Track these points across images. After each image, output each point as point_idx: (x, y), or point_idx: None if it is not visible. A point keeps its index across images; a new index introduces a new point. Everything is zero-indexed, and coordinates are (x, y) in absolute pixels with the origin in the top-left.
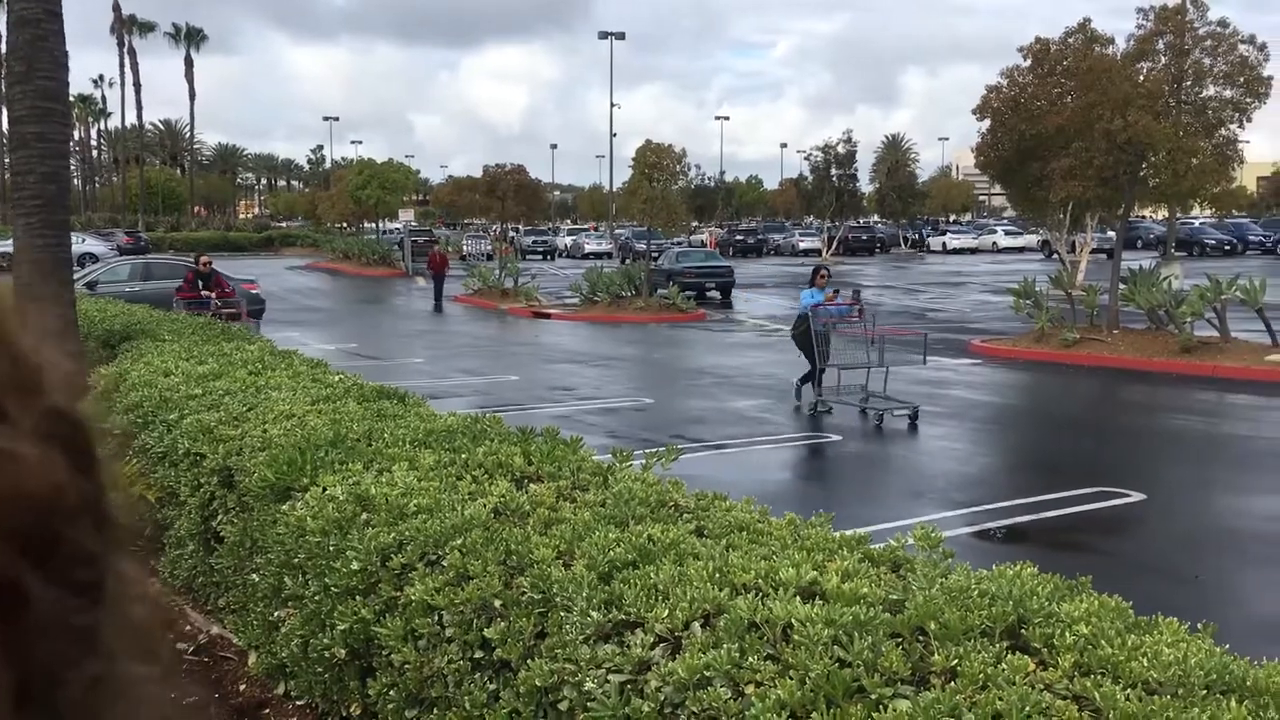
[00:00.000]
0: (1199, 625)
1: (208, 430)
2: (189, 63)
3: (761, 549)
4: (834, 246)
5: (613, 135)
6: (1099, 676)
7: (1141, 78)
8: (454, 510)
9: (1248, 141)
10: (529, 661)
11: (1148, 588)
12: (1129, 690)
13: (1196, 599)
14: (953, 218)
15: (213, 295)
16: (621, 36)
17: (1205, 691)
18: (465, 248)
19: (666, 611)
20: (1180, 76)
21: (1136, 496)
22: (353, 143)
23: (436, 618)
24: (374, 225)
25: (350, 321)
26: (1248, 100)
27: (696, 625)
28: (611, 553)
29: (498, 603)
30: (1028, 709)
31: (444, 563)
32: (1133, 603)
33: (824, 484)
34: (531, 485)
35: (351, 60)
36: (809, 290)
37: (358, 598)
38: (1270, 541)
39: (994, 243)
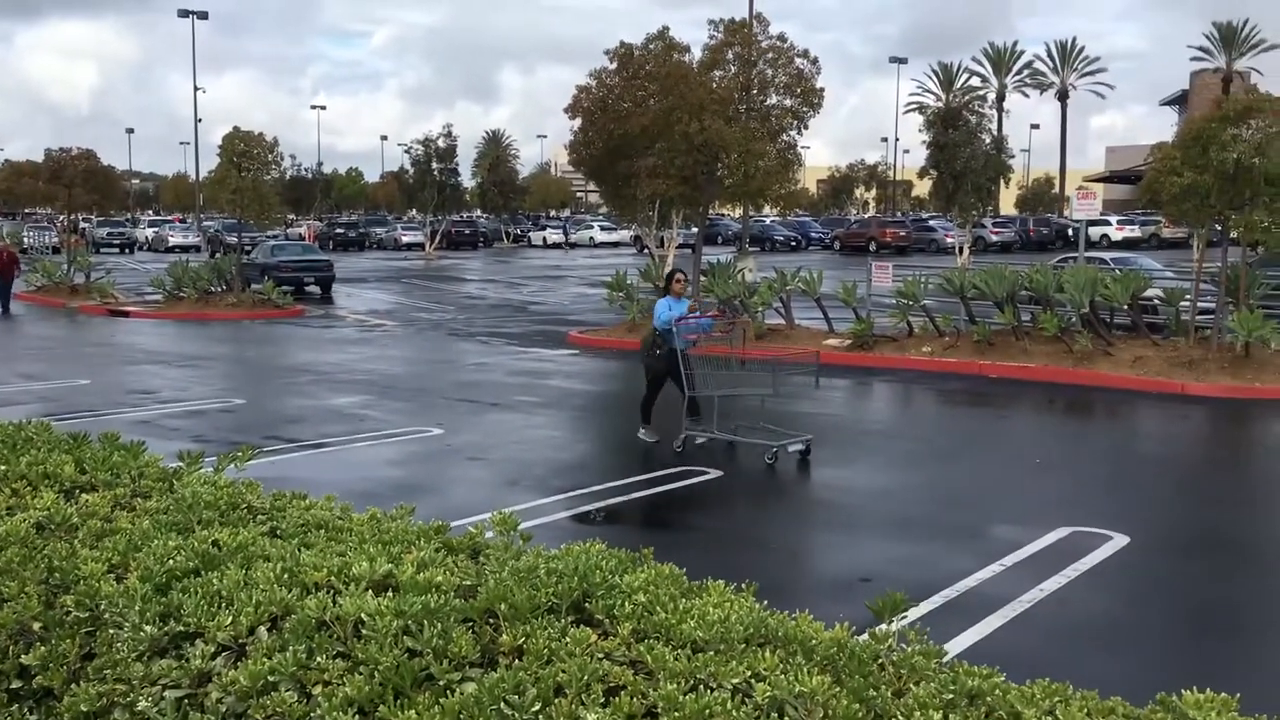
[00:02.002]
0: (743, 585)
1: None
2: None
3: (339, 546)
4: (437, 240)
5: (198, 121)
6: (653, 641)
7: (715, 85)
8: None
9: (808, 147)
10: (74, 686)
11: (721, 556)
12: (679, 650)
13: (764, 563)
14: (552, 213)
15: None
16: (204, 16)
17: (744, 645)
18: (26, 240)
19: (230, 618)
20: (748, 85)
21: (714, 474)
22: None
23: None
24: None
25: None
26: (804, 109)
27: (263, 629)
28: (171, 561)
29: (37, 625)
30: (586, 678)
31: None
32: (708, 570)
33: (425, 478)
34: (84, 495)
35: None
36: (665, 300)
37: None
38: (827, 506)
39: (591, 238)
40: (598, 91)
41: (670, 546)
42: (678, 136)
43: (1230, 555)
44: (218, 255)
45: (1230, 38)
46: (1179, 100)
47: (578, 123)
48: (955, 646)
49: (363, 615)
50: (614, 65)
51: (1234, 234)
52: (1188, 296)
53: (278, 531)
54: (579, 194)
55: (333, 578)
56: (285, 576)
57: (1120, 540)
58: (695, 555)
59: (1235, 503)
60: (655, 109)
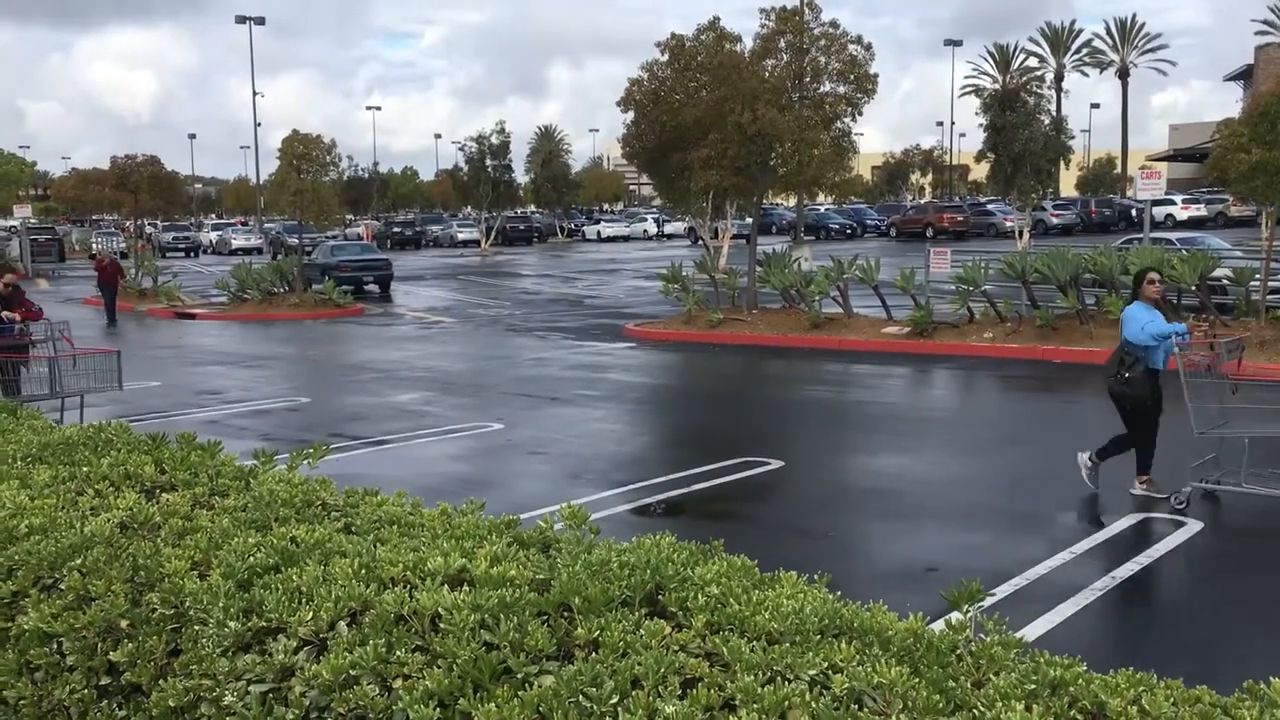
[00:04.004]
0: (815, 576)
1: None
2: None
3: (412, 541)
4: (493, 237)
5: (257, 125)
6: (727, 633)
7: (767, 74)
8: (72, 528)
9: (862, 134)
10: (161, 681)
11: (785, 547)
12: (754, 642)
13: (828, 554)
14: (605, 206)
15: (16, 318)
16: (261, 21)
17: (819, 636)
18: (95, 245)
19: (311, 613)
20: (801, 73)
21: (775, 464)
22: None
23: (55, 645)
24: None
25: None
26: (858, 95)
27: (342, 624)
28: (251, 558)
29: (124, 623)
30: (662, 670)
31: (62, 585)
32: (772, 561)
33: (488, 473)
34: (164, 495)
35: None
36: (1137, 306)
37: None
38: (889, 495)
39: (645, 230)
40: (649, 84)
41: (734, 538)
42: (730, 127)
43: None
44: (279, 257)
45: None
46: (1243, 75)
47: (630, 116)
48: (1027, 635)
49: (440, 609)
50: (665, 57)
51: None
52: (1257, 276)
53: (352, 528)
54: (632, 187)
55: (409, 573)
56: (363, 572)
57: (1194, 526)
58: (759, 546)
59: None
60: (707, 100)
